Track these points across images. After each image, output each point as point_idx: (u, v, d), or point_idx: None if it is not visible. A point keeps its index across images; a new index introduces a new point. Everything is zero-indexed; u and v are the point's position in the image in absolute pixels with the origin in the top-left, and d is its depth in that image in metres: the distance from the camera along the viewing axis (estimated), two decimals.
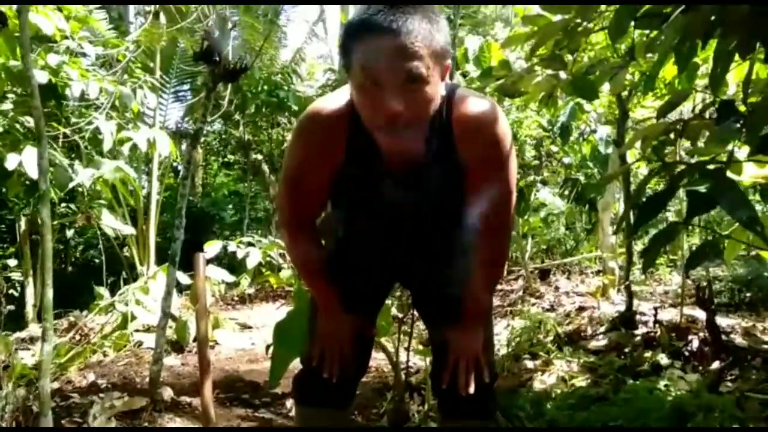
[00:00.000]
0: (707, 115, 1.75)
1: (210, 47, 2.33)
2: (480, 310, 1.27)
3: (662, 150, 1.88)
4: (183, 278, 3.49)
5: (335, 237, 1.35)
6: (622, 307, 2.96)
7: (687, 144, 2.14)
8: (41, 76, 3.14)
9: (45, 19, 3.09)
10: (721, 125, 1.43)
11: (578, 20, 1.99)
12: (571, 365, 2.50)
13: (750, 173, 1.79)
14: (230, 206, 8.13)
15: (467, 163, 1.13)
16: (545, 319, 2.92)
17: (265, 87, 6.60)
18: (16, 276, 4.70)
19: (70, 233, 5.58)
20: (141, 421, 2.21)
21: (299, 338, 1.45)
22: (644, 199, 1.53)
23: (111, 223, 3.90)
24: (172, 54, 5.53)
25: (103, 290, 3.86)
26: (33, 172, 3.27)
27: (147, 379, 2.57)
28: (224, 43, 2.40)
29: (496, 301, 4.33)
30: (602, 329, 2.84)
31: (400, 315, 2.25)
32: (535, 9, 2.22)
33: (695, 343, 2.37)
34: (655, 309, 2.75)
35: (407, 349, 2.21)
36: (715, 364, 2.22)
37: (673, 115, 2.18)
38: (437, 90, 1.03)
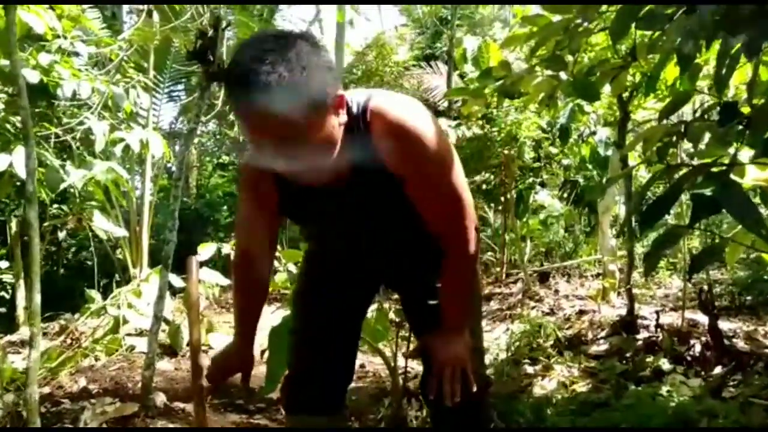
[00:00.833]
0: (709, 117, 1.73)
1: (204, 46, 2.29)
2: (458, 317, 1.23)
3: (666, 152, 1.85)
4: (176, 281, 3.43)
5: (309, 246, 1.41)
6: (623, 311, 2.93)
7: (688, 146, 2.12)
8: (32, 76, 3.08)
9: (36, 17, 3.03)
10: (723, 127, 1.40)
11: (579, 20, 1.96)
12: (571, 370, 2.47)
13: (752, 176, 1.76)
14: (225, 208, 8.06)
15: (401, 177, 1.07)
16: (545, 323, 2.89)
17: None
18: (7, 278, 4.64)
19: (62, 235, 5.51)
20: (132, 426, 2.17)
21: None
22: (649, 202, 1.50)
23: (103, 225, 3.85)
24: (165, 53, 5.47)
25: (94, 293, 3.81)
26: (23, 173, 3.21)
27: (139, 384, 2.52)
28: (218, 42, 2.36)
29: (494, 305, 4.30)
30: (603, 333, 2.81)
31: (398, 320, 2.21)
32: (534, 9, 2.19)
33: (697, 348, 2.34)
34: (657, 313, 2.72)
35: (405, 354, 2.17)
36: (718, 369, 2.19)
37: (673, 117, 2.16)
38: (327, 129, 0.97)
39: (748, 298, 3.37)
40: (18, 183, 3.73)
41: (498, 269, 5.14)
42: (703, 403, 1.93)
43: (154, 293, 2.79)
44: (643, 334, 2.64)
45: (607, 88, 2.68)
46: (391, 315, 2.20)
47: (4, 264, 4.61)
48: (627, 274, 2.93)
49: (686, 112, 2.96)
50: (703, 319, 2.51)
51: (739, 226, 2.03)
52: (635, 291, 3.03)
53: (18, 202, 4.19)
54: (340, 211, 1.15)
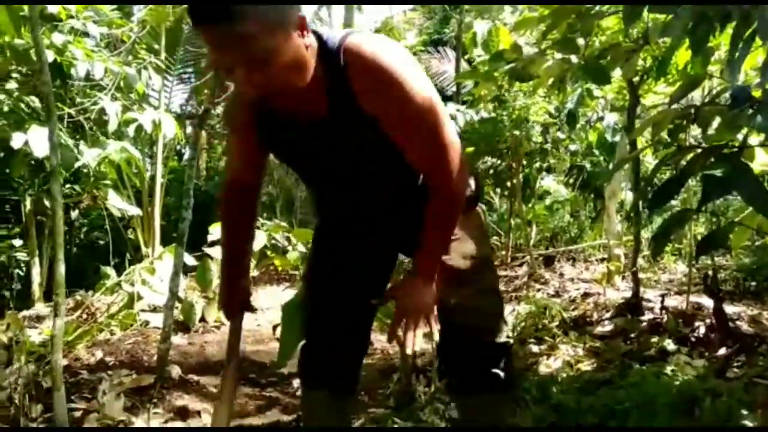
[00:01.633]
0: (719, 102, 1.74)
1: None
2: (431, 263, 1.19)
3: (677, 135, 1.87)
4: (189, 259, 3.50)
5: (317, 219, 1.42)
6: (628, 294, 2.97)
7: (696, 132, 2.13)
8: (47, 55, 3.11)
9: None
10: (734, 111, 1.41)
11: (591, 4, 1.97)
12: (576, 350, 2.50)
13: (761, 160, 1.78)
14: None
15: (380, 119, 1.06)
16: (550, 305, 2.93)
17: None
18: (21, 256, 4.71)
19: (74, 214, 5.58)
20: (149, 397, 2.23)
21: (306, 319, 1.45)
22: (659, 185, 1.53)
23: (117, 203, 3.90)
24: (177, 35, 5.48)
25: (110, 270, 3.87)
26: (39, 152, 3.26)
27: (154, 358, 2.59)
28: None
29: (501, 287, 4.34)
30: (608, 315, 2.84)
31: None
32: None
33: (702, 330, 2.38)
34: (662, 295, 2.76)
35: None
36: (722, 350, 2.22)
37: (682, 102, 2.17)
38: (292, 48, 0.96)
39: (753, 283, 3.40)
40: (32, 162, 3.79)
41: (504, 252, 5.19)
42: (708, 383, 1.96)
43: (168, 271, 2.85)
44: (647, 316, 2.68)
45: (617, 72, 2.69)
46: None
47: (19, 242, 4.68)
48: (633, 257, 2.96)
49: (695, 96, 2.97)
50: (707, 302, 2.54)
51: (746, 211, 2.06)
52: (640, 275, 3.06)
53: (31, 181, 4.24)
54: (321, 147, 1.14)
